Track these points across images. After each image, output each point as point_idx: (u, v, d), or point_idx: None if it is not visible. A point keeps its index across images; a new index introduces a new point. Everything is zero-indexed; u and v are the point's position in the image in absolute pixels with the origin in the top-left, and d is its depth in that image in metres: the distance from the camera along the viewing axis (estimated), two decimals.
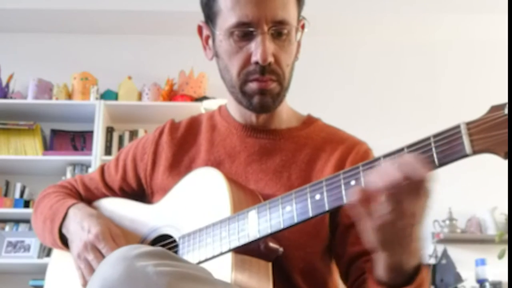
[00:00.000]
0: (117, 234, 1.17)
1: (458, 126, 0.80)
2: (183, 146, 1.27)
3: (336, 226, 1.16)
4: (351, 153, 1.19)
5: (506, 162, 0.81)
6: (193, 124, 1.32)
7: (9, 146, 3.73)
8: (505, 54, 3.93)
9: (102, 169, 1.36)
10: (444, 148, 0.80)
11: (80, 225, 1.18)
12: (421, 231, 0.87)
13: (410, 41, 4.21)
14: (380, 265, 0.90)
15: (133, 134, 3.85)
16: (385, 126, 3.79)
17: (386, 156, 0.86)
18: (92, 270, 1.12)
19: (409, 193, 0.80)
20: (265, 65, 1.11)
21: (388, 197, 0.80)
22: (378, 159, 0.87)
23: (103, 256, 1.10)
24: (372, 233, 0.84)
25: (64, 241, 1.23)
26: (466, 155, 0.79)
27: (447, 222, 3.73)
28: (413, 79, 4.16)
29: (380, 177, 0.81)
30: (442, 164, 0.81)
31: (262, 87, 1.14)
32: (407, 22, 4.12)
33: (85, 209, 1.23)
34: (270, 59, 1.11)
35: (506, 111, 0.77)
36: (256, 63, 1.11)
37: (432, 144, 0.82)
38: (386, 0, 4.03)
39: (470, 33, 4.15)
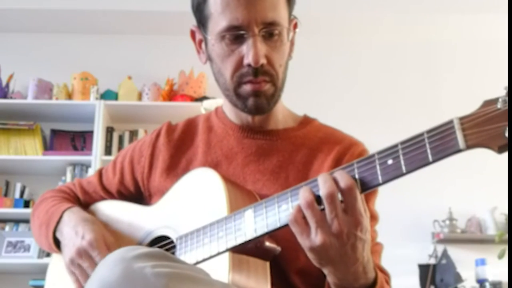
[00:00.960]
0: (111, 242, 1.17)
1: (451, 121, 0.80)
2: (180, 148, 1.28)
3: None
4: (347, 153, 1.19)
5: (505, 161, 0.81)
6: (190, 126, 1.32)
7: (9, 146, 3.73)
8: (506, 54, 3.93)
9: (100, 173, 1.36)
10: (438, 143, 0.80)
11: (74, 230, 1.18)
12: (364, 254, 0.90)
13: (412, 42, 4.21)
14: (330, 282, 0.95)
15: (133, 134, 3.85)
16: (387, 126, 3.78)
17: (380, 152, 0.86)
18: (87, 276, 1.12)
19: (345, 209, 0.86)
20: (257, 67, 1.11)
21: (327, 209, 0.86)
22: (372, 156, 0.87)
23: (96, 264, 1.09)
24: (308, 251, 0.89)
25: (58, 246, 1.23)
26: (459, 150, 0.79)
27: (447, 222, 3.73)
28: (415, 80, 4.15)
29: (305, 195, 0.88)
30: (436, 159, 0.81)
31: (256, 88, 1.14)
32: (409, 23, 4.11)
33: (79, 213, 1.23)
34: (263, 60, 1.11)
35: (499, 105, 0.76)
36: (249, 65, 1.11)
37: (426, 140, 0.81)
38: (388, 1, 4.02)
39: (472, 33, 4.15)
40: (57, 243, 1.23)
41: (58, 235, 1.22)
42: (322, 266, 0.91)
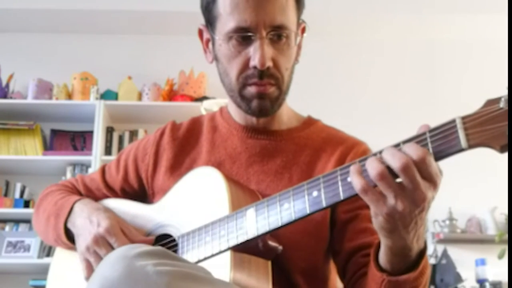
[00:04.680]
0: (126, 226, 1.17)
1: (453, 121, 0.80)
2: (185, 147, 1.28)
3: (334, 223, 1.16)
4: (350, 153, 1.19)
5: (505, 161, 0.80)
6: (195, 125, 1.32)
7: (9, 146, 3.73)
8: (506, 54, 3.93)
9: (103, 170, 1.36)
10: (440, 142, 0.80)
11: (88, 219, 1.18)
12: (427, 213, 0.87)
13: (411, 41, 4.22)
14: (385, 250, 0.91)
15: (133, 134, 3.85)
16: (386, 126, 3.78)
17: (382, 152, 0.85)
18: None
19: (424, 177, 0.81)
20: (263, 69, 1.11)
21: (405, 180, 0.81)
22: (374, 155, 0.86)
23: None
24: (385, 217, 0.84)
25: (69, 237, 1.23)
26: (461, 149, 0.79)
27: (447, 222, 3.73)
28: (414, 79, 4.16)
29: (396, 156, 0.81)
30: (438, 158, 0.81)
31: (261, 91, 1.14)
32: (410, 23, 4.12)
33: (91, 204, 1.24)
34: (269, 63, 1.11)
35: (501, 104, 0.76)
36: (255, 67, 1.11)
37: (428, 139, 0.81)
38: (389, 1, 4.03)
39: (471, 33, 4.15)
40: (67, 234, 1.23)
41: (70, 226, 1.22)
42: (390, 232, 0.86)
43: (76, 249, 1.20)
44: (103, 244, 1.13)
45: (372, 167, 0.82)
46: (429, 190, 0.82)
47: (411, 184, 0.81)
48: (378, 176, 0.81)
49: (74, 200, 1.25)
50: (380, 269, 0.93)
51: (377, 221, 0.86)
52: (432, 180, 0.82)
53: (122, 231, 1.15)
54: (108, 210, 1.21)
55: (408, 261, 0.90)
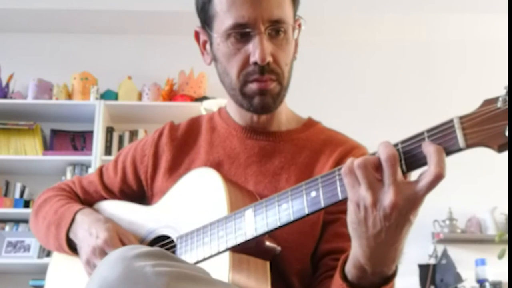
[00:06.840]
0: (126, 235, 1.17)
1: (451, 120, 0.79)
2: (183, 148, 1.27)
3: None
4: (348, 156, 1.18)
5: (505, 161, 0.80)
6: (193, 126, 1.32)
7: (9, 146, 3.73)
8: (502, 53, 3.94)
9: (100, 172, 1.36)
10: (438, 142, 0.80)
11: (88, 231, 1.18)
12: (404, 240, 0.86)
13: (411, 42, 4.21)
14: (351, 258, 0.91)
15: (133, 134, 3.85)
16: (385, 126, 3.78)
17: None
18: None
19: (395, 179, 0.81)
20: (264, 65, 1.11)
21: (384, 172, 0.81)
22: (373, 154, 0.86)
23: None
24: (352, 202, 0.84)
25: (71, 246, 1.23)
26: (459, 149, 0.79)
27: (447, 222, 3.73)
28: (410, 79, 4.15)
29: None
30: None
31: (262, 87, 1.14)
32: (409, 23, 4.12)
33: (93, 215, 1.23)
34: (269, 58, 1.11)
35: (499, 104, 0.76)
36: (255, 63, 1.11)
37: (426, 139, 0.81)
38: (383, 1, 4.03)
39: (467, 33, 4.15)
40: (69, 244, 1.23)
41: (72, 236, 1.22)
42: (355, 229, 0.86)
43: (79, 257, 1.20)
44: (101, 256, 1.13)
45: (364, 157, 0.83)
46: (402, 199, 0.80)
47: (387, 179, 0.81)
48: (358, 165, 0.82)
49: (76, 209, 1.24)
50: (343, 276, 0.93)
51: (348, 209, 0.86)
52: (414, 195, 0.80)
53: (121, 241, 1.14)
54: (108, 220, 1.20)
55: (369, 280, 0.89)
